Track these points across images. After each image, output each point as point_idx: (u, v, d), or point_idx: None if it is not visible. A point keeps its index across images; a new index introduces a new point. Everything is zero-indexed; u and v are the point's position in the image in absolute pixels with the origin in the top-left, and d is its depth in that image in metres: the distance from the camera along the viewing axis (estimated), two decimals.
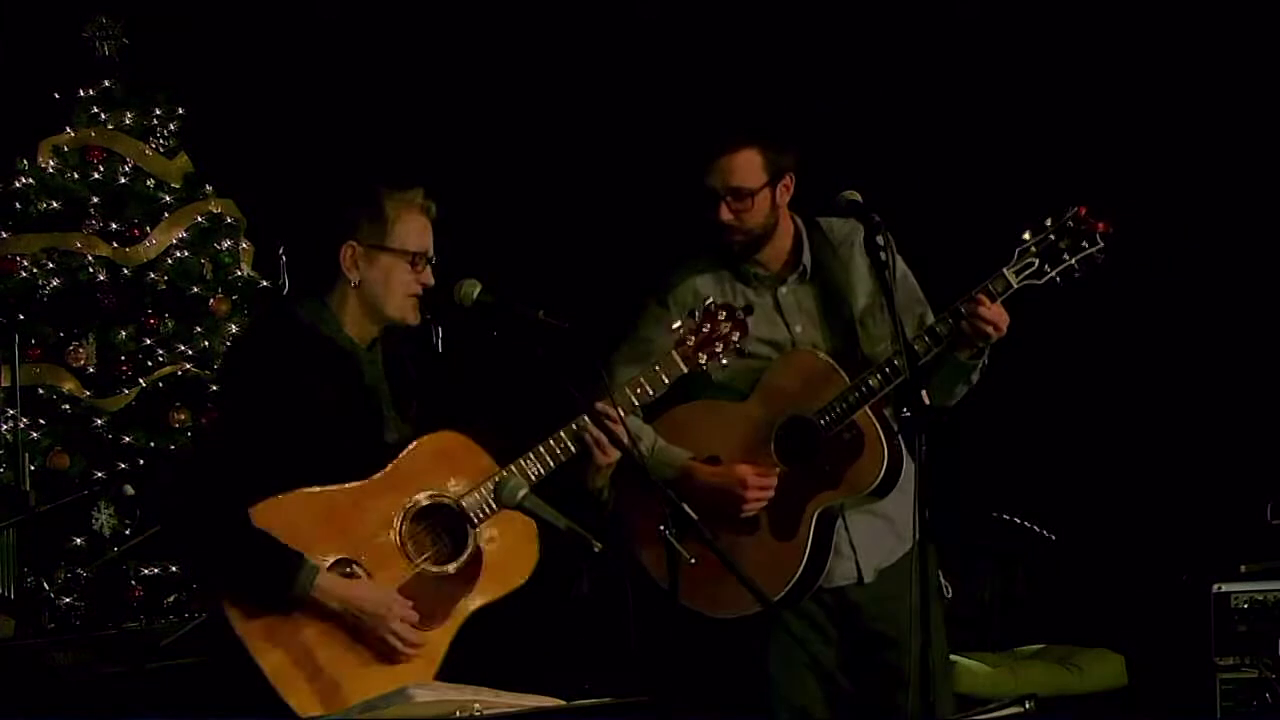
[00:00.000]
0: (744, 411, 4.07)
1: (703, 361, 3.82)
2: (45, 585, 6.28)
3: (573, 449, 3.72)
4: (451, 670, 3.60)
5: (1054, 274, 3.87)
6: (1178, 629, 5.71)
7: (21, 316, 6.68)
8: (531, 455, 3.72)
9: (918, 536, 3.78)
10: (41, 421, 6.62)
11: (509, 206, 6.98)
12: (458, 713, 3.00)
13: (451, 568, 3.65)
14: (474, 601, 3.66)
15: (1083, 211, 3.86)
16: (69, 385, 6.69)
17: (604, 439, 3.70)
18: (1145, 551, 6.31)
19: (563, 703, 3.13)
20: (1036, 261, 3.87)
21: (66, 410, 6.66)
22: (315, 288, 3.69)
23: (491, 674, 3.32)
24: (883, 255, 3.91)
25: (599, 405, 3.70)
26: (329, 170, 6.77)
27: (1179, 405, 6.44)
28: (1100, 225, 3.85)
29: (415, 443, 3.68)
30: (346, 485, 3.58)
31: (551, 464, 3.72)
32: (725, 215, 4.04)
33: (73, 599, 6.34)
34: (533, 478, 3.69)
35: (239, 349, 3.63)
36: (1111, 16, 6.51)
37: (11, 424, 6.47)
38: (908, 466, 4.01)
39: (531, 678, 3.51)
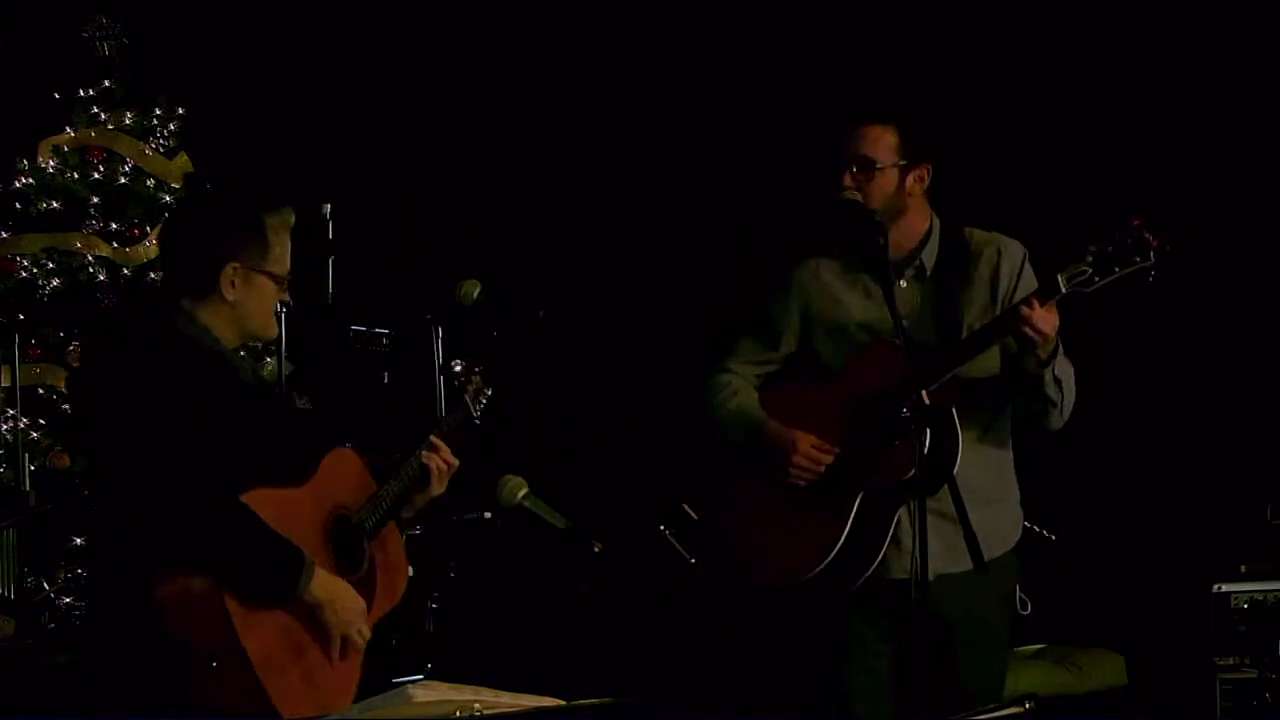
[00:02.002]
0: (826, 391, 4.17)
1: (476, 412, 4.05)
2: (45, 585, 6.28)
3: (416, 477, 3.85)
4: (453, 670, 3.61)
5: (1102, 284, 3.90)
6: (1178, 629, 5.71)
7: (21, 316, 6.68)
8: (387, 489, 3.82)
9: (917, 537, 3.84)
10: (41, 421, 6.62)
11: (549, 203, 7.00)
12: (458, 713, 3.00)
13: (354, 579, 3.70)
14: (373, 614, 3.71)
15: (1136, 223, 3.88)
16: None
17: (442, 469, 3.85)
18: (1145, 551, 6.30)
19: (563, 703, 3.13)
20: (1089, 270, 3.89)
21: (66, 410, 6.66)
22: (183, 300, 3.69)
23: (491, 674, 3.32)
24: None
25: (432, 438, 3.84)
26: (327, 170, 6.79)
27: (1179, 405, 6.44)
28: (1154, 241, 3.88)
29: (327, 456, 3.73)
30: (284, 490, 3.60)
31: (400, 493, 3.83)
32: (847, 181, 4.11)
33: (73, 599, 6.34)
34: (384, 509, 3.78)
35: (137, 359, 3.60)
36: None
37: (11, 424, 6.47)
38: (989, 480, 4.11)
39: (531, 678, 3.51)
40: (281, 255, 3.74)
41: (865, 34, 6.75)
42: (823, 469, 4.09)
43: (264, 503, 3.51)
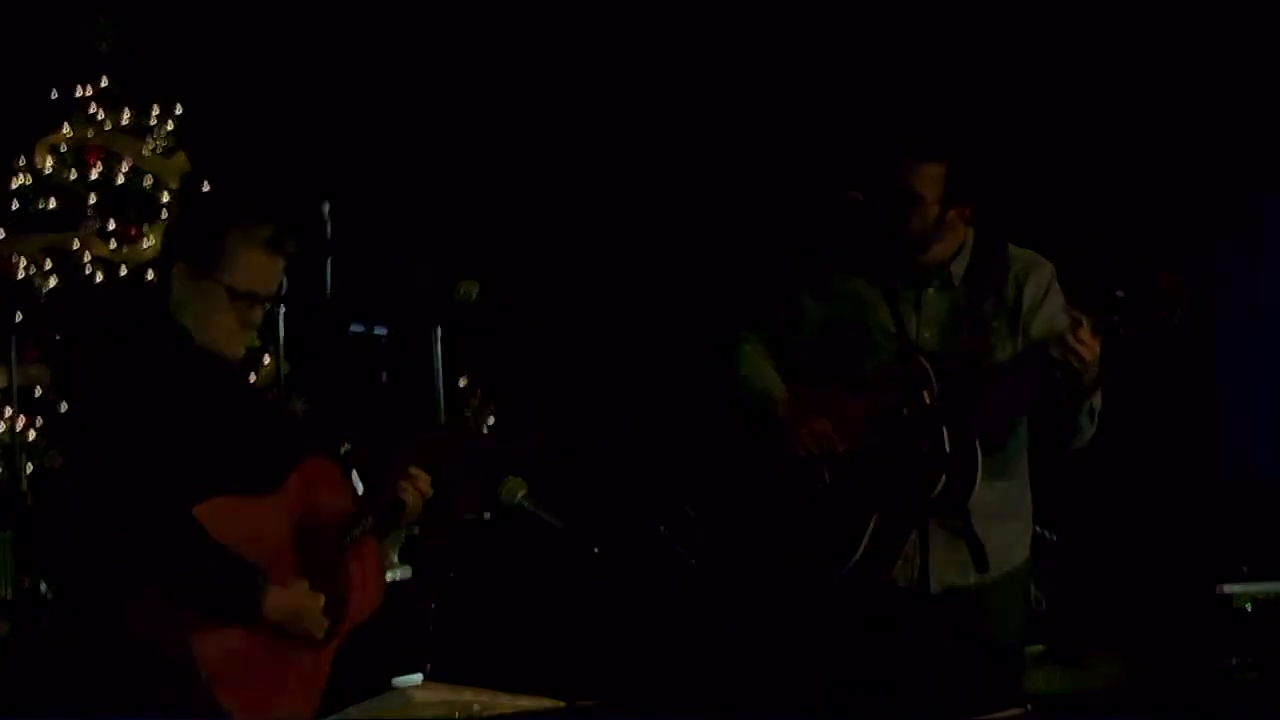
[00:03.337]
0: (846, 397, 4.18)
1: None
2: (43, 586, 6.26)
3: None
4: (453, 670, 3.59)
5: (1128, 333, 3.91)
6: (1180, 629, 5.71)
7: (19, 317, 6.67)
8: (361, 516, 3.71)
9: (920, 541, 3.86)
10: (39, 422, 6.61)
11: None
12: (457, 713, 3.00)
13: (328, 590, 3.59)
14: (348, 623, 3.64)
15: (1167, 275, 3.89)
16: None
17: (416, 501, 3.70)
18: (1148, 552, 6.31)
19: (562, 703, 3.13)
20: (1115, 318, 3.90)
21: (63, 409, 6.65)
22: (166, 298, 3.62)
23: (491, 674, 3.32)
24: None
25: (410, 469, 3.69)
26: (327, 170, 6.78)
27: (1182, 404, 6.44)
28: (1184, 293, 3.88)
29: (303, 464, 3.62)
30: (248, 499, 3.51)
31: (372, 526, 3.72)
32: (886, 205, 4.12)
33: None
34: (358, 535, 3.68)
35: (111, 362, 3.52)
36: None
37: (9, 424, 6.46)
38: (1003, 496, 4.12)
39: (531, 678, 3.50)
40: (246, 269, 3.51)
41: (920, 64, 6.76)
42: (830, 448, 4.11)
43: (224, 511, 3.42)
